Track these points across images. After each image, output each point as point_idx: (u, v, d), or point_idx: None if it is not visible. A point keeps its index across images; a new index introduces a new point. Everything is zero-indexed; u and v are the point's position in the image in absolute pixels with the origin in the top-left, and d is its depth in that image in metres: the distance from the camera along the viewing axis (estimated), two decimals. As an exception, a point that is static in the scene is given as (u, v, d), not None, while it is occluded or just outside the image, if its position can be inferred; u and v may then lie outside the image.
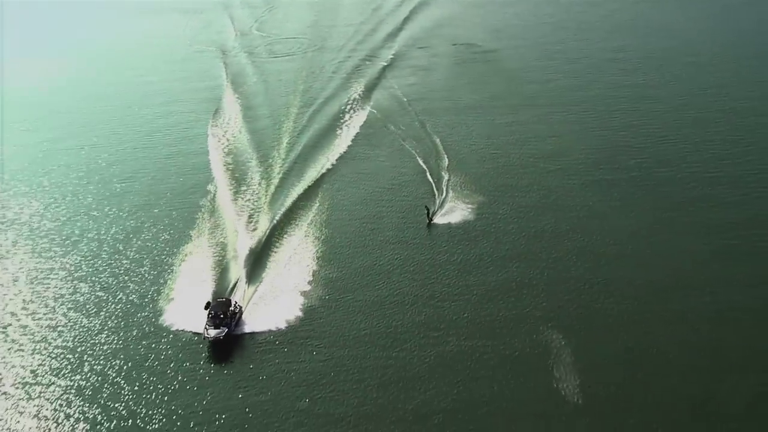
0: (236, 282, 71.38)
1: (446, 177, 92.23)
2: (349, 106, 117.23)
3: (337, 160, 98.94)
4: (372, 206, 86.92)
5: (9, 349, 63.86)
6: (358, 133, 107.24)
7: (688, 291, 68.20)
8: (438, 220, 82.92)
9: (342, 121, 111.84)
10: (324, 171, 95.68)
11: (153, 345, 63.63)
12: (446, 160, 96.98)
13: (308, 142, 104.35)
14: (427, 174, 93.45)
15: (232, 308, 65.03)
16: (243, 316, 65.94)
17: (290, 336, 63.75)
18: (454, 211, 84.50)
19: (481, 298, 68.44)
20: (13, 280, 74.44)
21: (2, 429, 54.86)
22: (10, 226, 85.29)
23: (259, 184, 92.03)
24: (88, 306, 69.83)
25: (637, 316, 65.11)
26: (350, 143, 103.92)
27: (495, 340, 62.57)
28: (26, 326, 67.13)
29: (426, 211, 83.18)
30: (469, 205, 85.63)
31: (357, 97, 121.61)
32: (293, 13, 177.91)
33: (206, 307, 64.97)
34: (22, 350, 63.89)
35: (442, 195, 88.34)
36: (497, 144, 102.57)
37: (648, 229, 78.52)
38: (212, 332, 62.08)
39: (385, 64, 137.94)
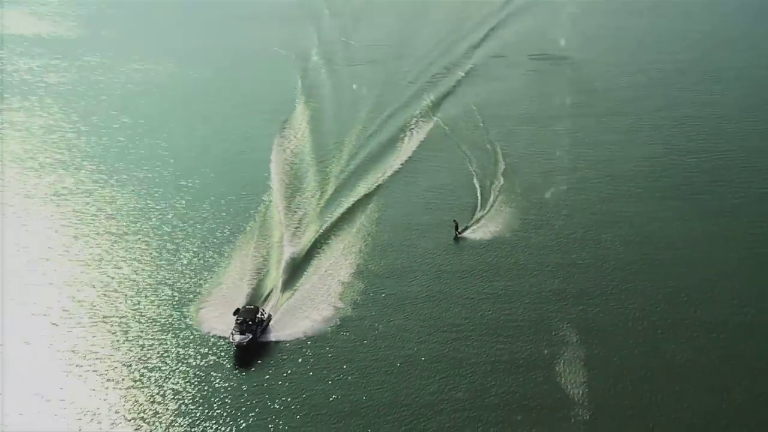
0: (272, 290, 73.01)
1: (496, 187, 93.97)
2: (417, 116, 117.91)
3: (394, 171, 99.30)
4: (415, 218, 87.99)
5: (49, 330, 67.21)
6: (421, 143, 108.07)
7: (726, 300, 70.85)
8: (473, 233, 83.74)
9: (408, 130, 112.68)
10: (379, 181, 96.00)
11: (181, 343, 65.68)
12: (502, 165, 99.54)
13: (370, 151, 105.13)
14: (476, 183, 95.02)
15: (259, 315, 66.68)
16: (271, 324, 67.59)
17: (313, 347, 64.97)
18: (490, 224, 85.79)
19: (513, 305, 70.94)
20: (59, 264, 77.56)
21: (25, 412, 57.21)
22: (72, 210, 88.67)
23: (314, 191, 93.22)
24: (127, 297, 72.23)
25: (677, 324, 67.99)
26: (410, 154, 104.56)
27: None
28: (66, 309, 70.43)
29: (455, 225, 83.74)
30: (510, 216, 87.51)
31: (427, 106, 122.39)
32: (381, 22, 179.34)
33: (235, 313, 66.73)
34: (57, 332, 67.14)
35: (485, 206, 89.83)
36: (556, 153, 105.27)
37: (699, 238, 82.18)
38: (237, 337, 64.10)
39: (462, 74, 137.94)
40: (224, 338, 65.52)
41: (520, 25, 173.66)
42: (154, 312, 70.01)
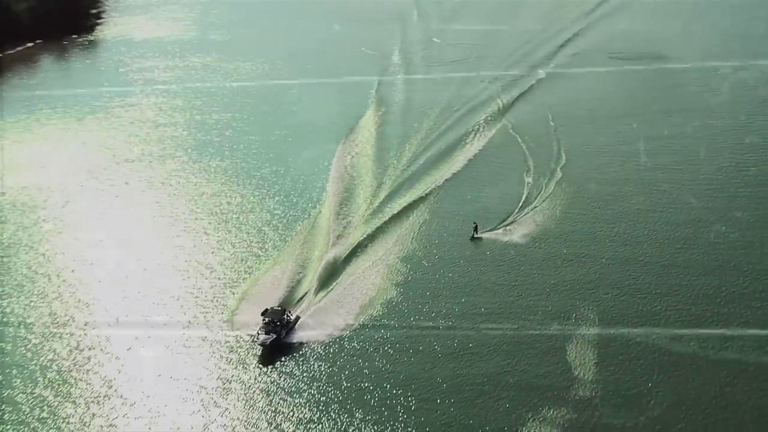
0: (306, 292, 74.63)
1: (542, 194, 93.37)
2: (489, 117, 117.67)
3: (452, 174, 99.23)
4: (460, 223, 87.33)
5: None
6: (484, 145, 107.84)
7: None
8: (493, 236, 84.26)
9: (474, 131, 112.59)
10: (434, 185, 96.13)
11: (209, 338, 68.49)
12: (558, 173, 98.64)
13: (433, 152, 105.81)
14: (526, 188, 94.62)
15: (285, 317, 68.58)
16: (299, 326, 69.21)
17: (334, 350, 66.49)
18: (519, 228, 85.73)
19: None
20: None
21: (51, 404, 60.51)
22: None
23: (368, 194, 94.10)
24: (168, 289, 76.16)
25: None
26: (471, 156, 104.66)
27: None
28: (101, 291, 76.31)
29: (474, 226, 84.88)
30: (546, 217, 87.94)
31: (500, 107, 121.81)
32: (471, 21, 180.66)
33: (263, 313, 68.56)
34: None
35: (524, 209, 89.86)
36: (621, 153, 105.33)
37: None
38: (261, 337, 66.34)
39: (542, 74, 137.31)
40: (252, 335, 67.91)
41: (612, 24, 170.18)
42: (189, 306, 73.64)
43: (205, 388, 62.45)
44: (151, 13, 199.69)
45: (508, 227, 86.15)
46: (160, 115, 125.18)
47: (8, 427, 57.97)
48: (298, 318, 70.37)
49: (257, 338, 66.65)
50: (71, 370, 64.48)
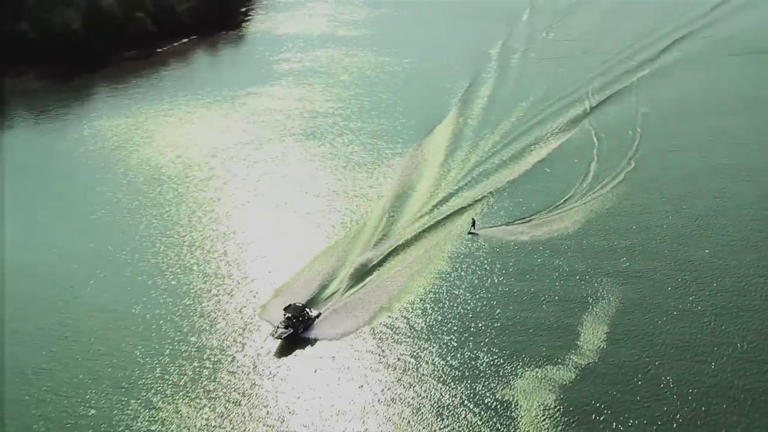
0: (335, 291, 76.66)
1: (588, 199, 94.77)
2: (575, 114, 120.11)
3: (519, 174, 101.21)
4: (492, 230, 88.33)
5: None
6: (561, 144, 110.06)
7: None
8: (487, 232, 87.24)
9: (558, 129, 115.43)
10: (494, 188, 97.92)
11: (234, 328, 72.17)
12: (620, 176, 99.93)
13: (512, 150, 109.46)
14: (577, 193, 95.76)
15: (304, 313, 70.58)
16: (318, 323, 70.96)
17: (346, 348, 68.33)
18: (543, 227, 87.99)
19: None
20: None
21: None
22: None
23: (425, 193, 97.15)
24: (201, 277, 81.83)
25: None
26: (551, 145, 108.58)
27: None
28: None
29: (472, 222, 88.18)
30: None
31: (591, 105, 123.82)
32: (586, 18, 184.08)
33: (285, 309, 70.84)
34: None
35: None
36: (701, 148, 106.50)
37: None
38: (279, 331, 68.82)
39: (642, 73, 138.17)
40: (273, 327, 70.11)
41: (733, 23, 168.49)
42: (217, 296, 77.83)
43: (214, 372, 66.63)
44: (292, 11, 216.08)
45: (508, 225, 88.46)
46: (291, 103, 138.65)
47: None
48: (318, 315, 72.12)
49: (275, 332, 69.04)
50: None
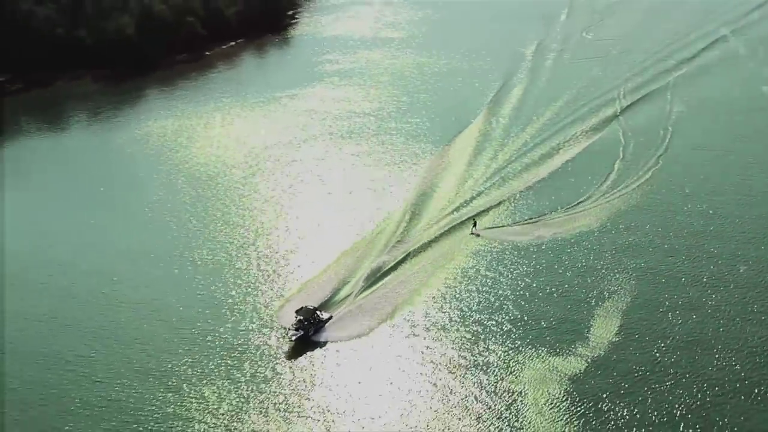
0: (349, 295, 78.07)
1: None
2: (606, 114, 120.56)
3: (544, 173, 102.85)
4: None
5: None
6: (588, 146, 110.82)
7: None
8: (488, 233, 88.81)
9: (588, 129, 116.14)
10: (518, 187, 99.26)
11: (248, 327, 74.67)
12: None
13: (540, 148, 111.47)
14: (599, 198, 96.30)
15: (315, 316, 72.00)
16: (329, 325, 72.48)
17: (355, 351, 70.11)
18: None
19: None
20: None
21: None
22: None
23: (451, 193, 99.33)
24: (223, 277, 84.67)
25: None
26: (573, 154, 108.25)
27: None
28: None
29: (473, 223, 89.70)
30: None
31: (624, 104, 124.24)
32: (626, 17, 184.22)
33: (297, 311, 72.33)
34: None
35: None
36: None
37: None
38: (289, 333, 71.16)
39: (679, 72, 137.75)
40: (285, 329, 72.21)
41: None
42: (238, 295, 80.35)
43: (224, 371, 69.11)
44: (337, 13, 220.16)
45: (509, 226, 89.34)
46: (330, 104, 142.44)
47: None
48: (330, 317, 73.47)
49: (287, 333, 71.62)
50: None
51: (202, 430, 62.24)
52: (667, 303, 74.22)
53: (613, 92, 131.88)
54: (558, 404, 61.76)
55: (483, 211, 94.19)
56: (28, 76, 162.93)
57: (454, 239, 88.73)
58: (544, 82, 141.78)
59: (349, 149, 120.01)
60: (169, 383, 68.00)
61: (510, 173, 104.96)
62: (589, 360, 66.74)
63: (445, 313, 75.53)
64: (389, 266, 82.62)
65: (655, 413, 60.42)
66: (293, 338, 70.40)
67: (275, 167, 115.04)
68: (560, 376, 64.90)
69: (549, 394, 62.92)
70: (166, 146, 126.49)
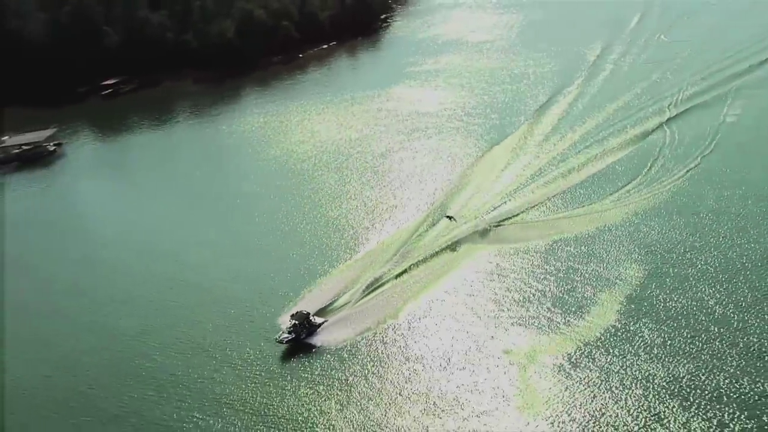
0: (347, 303, 79.93)
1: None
2: (658, 117, 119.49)
3: (585, 172, 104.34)
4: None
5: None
6: (638, 145, 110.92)
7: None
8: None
9: (640, 131, 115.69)
10: (546, 197, 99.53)
11: (247, 327, 78.39)
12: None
13: (589, 148, 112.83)
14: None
15: (307, 321, 74.60)
16: (322, 330, 74.87)
17: (343, 355, 72.15)
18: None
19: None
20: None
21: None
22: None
23: (499, 188, 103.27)
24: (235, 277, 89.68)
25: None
26: (620, 155, 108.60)
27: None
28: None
29: (449, 218, 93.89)
30: None
31: (678, 109, 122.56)
32: (705, 21, 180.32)
33: (292, 316, 75.15)
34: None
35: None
36: None
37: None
38: (282, 336, 73.68)
39: (742, 80, 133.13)
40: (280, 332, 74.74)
41: None
42: (245, 299, 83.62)
43: (221, 364, 73.57)
44: (429, 17, 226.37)
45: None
46: (405, 104, 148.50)
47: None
48: (324, 322, 75.70)
49: (279, 335, 73.98)
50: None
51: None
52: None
53: (672, 96, 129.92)
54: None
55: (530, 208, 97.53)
56: (139, 78, 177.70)
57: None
58: (610, 84, 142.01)
59: (414, 144, 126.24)
60: (213, 357, 75.12)
61: (552, 173, 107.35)
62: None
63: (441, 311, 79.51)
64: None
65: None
66: (285, 341, 73.29)
67: (348, 161, 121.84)
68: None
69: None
70: (259, 140, 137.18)
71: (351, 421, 64.02)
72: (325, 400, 66.90)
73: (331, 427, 63.76)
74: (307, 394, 67.93)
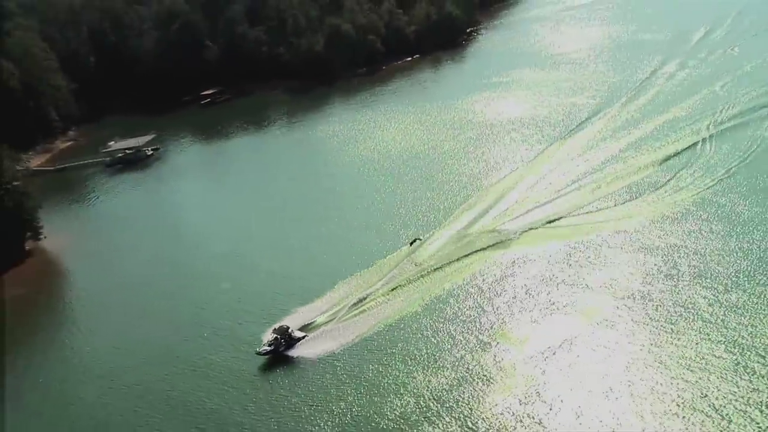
0: (332, 319, 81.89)
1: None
2: (700, 130, 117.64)
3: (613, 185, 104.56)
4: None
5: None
6: (675, 154, 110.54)
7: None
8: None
9: (680, 143, 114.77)
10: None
11: (236, 337, 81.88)
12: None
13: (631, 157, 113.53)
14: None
15: (286, 334, 77.38)
16: (302, 343, 77.43)
17: (319, 368, 74.51)
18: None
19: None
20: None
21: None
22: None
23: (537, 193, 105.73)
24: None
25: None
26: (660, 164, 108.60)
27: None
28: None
29: (412, 241, 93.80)
30: None
31: (723, 125, 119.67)
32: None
33: (273, 330, 78.10)
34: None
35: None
36: None
37: None
38: (261, 348, 76.72)
39: None
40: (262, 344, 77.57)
41: None
42: (242, 308, 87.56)
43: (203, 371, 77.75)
44: (513, 30, 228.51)
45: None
46: (471, 114, 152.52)
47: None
48: (304, 337, 78.36)
49: (259, 347, 76.89)
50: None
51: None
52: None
53: (720, 111, 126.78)
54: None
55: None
56: (233, 88, 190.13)
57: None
58: (664, 96, 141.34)
59: (471, 150, 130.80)
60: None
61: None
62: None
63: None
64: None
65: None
66: (263, 353, 76.42)
67: (411, 163, 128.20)
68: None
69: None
70: (341, 145, 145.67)
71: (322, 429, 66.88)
72: (297, 408, 69.92)
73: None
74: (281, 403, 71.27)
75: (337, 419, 67.45)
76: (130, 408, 74.71)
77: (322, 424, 67.19)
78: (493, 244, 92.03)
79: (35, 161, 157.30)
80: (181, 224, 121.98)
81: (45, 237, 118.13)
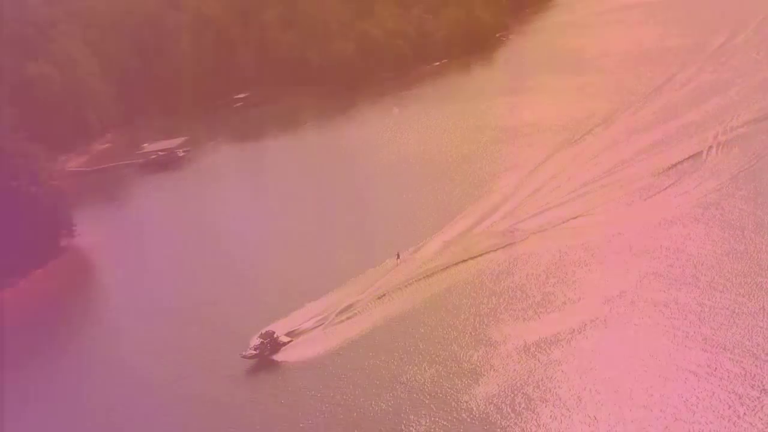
0: (319, 326, 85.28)
1: None
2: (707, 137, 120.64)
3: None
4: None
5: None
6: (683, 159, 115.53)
7: None
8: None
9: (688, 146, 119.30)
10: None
11: (226, 338, 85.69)
12: None
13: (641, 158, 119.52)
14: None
15: (271, 339, 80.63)
16: (286, 348, 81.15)
17: (301, 372, 78.57)
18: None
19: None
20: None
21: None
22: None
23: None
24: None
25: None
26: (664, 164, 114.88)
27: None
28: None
29: (397, 256, 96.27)
30: None
31: (734, 131, 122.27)
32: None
33: (260, 335, 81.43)
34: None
35: None
36: None
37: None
38: (246, 352, 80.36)
39: None
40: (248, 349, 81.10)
41: None
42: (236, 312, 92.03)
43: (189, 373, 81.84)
44: (544, 35, 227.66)
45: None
46: (488, 119, 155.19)
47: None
48: (288, 341, 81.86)
49: (245, 351, 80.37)
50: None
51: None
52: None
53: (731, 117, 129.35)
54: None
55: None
56: (264, 91, 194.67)
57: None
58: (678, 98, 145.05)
59: (489, 152, 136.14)
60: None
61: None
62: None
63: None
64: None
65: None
66: (248, 357, 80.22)
67: (424, 161, 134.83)
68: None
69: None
70: (365, 148, 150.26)
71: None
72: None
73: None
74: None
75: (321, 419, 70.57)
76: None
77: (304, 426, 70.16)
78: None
79: (73, 163, 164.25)
80: (204, 222, 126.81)
81: (79, 235, 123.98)
